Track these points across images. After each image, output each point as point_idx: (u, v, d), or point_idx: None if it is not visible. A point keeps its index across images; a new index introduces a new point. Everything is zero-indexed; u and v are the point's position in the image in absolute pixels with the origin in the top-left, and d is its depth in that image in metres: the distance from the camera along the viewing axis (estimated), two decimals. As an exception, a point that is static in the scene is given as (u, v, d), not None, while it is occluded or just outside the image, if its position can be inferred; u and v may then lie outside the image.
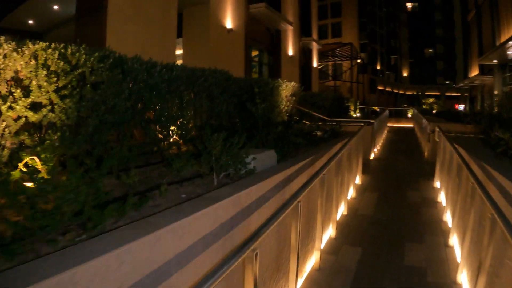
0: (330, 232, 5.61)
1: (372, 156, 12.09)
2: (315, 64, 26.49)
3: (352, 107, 18.86)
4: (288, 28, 20.37)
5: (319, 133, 7.14)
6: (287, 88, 8.50)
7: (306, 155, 5.03)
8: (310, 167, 4.79)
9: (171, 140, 4.57)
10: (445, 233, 5.66)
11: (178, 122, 4.58)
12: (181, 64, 5.03)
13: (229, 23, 15.29)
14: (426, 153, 12.48)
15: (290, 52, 21.47)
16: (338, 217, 6.14)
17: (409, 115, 30.79)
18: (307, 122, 9.35)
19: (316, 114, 12.04)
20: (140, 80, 4.06)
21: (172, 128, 4.51)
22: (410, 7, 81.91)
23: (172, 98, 4.52)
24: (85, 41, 3.67)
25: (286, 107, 8.23)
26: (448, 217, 6.15)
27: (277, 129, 5.44)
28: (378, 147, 14.17)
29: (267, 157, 4.32)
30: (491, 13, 27.87)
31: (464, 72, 71.08)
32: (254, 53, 19.54)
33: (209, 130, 3.67)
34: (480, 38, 33.91)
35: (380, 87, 64.48)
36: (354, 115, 18.48)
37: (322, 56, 35.55)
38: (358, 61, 40.66)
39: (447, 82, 77.89)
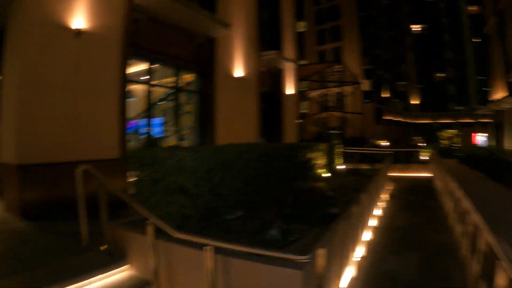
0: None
1: None
2: (291, 90, 18.44)
3: (321, 161, 10.11)
4: (229, 35, 12.58)
5: None
6: None
7: None
8: None
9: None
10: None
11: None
12: None
13: (80, 21, 7.64)
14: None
15: (239, 72, 13.57)
16: None
17: (423, 157, 21.71)
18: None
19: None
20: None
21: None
22: (417, 29, 74.03)
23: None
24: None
25: None
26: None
27: None
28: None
29: None
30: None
31: (479, 96, 62.59)
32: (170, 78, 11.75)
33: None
34: (505, 50, 25.99)
35: (387, 117, 56.04)
36: (326, 176, 9.97)
37: (311, 83, 27.67)
38: (361, 85, 32.15)
39: (459, 108, 69.03)
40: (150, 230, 4.06)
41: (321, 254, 3.39)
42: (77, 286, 3.98)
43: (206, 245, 3.55)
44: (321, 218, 5.31)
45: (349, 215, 5.36)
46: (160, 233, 4.12)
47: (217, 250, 3.57)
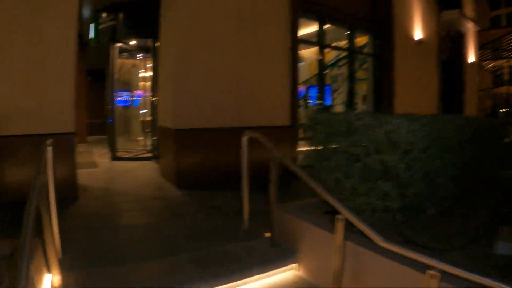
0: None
1: None
2: (472, 59, 15.65)
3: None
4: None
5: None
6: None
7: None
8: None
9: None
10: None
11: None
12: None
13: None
14: None
15: (418, 35, 11.51)
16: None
17: None
18: None
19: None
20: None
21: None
22: None
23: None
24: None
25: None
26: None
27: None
28: None
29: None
30: None
31: None
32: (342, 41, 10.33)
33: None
34: None
35: None
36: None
37: (483, 53, 23.67)
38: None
39: None
40: (340, 227, 2.68)
41: None
42: (229, 287, 2.96)
43: (425, 265, 2.11)
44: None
45: None
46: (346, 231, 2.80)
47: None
